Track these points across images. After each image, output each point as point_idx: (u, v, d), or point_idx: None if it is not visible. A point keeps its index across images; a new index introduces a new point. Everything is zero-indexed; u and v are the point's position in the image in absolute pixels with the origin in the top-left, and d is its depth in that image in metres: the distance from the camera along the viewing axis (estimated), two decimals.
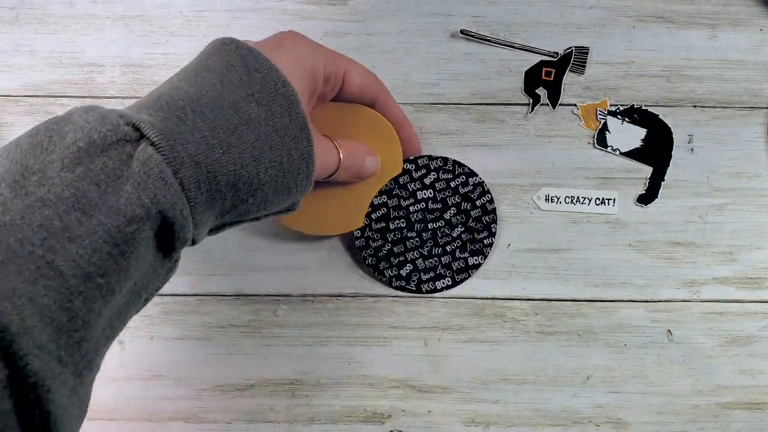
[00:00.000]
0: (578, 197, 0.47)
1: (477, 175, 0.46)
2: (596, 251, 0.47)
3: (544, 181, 0.47)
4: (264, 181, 0.32)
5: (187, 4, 0.49)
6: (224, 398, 0.46)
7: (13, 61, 0.49)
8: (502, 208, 0.47)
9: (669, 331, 0.46)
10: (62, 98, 0.48)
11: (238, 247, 0.47)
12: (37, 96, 0.48)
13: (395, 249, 0.46)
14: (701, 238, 0.47)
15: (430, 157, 0.46)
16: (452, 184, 0.46)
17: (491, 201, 0.46)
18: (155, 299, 0.47)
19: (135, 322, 0.47)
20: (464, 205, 0.46)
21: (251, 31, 0.49)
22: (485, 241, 0.46)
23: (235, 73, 0.33)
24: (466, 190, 0.46)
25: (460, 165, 0.46)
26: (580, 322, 0.46)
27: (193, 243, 0.32)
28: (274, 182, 0.33)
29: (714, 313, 0.46)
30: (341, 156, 0.40)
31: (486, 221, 0.46)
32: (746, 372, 0.46)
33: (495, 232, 0.46)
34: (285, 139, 0.33)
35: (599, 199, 0.47)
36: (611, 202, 0.47)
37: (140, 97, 0.48)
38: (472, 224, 0.46)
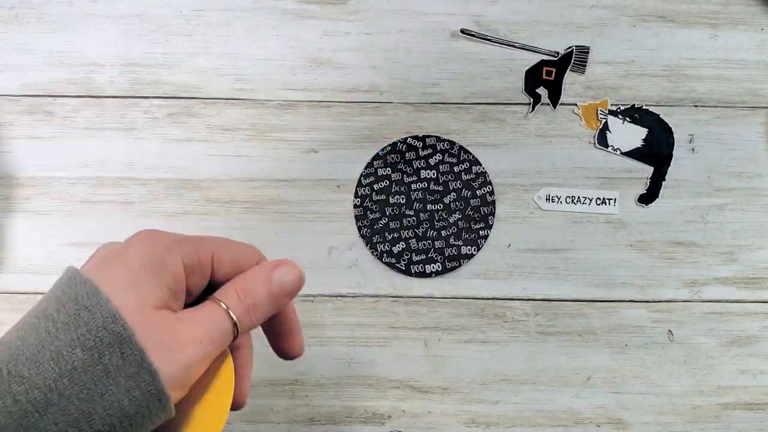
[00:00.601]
0: (579, 197, 0.47)
1: (481, 165, 0.46)
2: (597, 251, 0.47)
3: (545, 180, 0.47)
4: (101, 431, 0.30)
5: (187, 3, 0.49)
6: None
7: (13, 60, 0.48)
8: (503, 208, 0.47)
9: (670, 331, 0.46)
10: (62, 98, 0.48)
11: None
12: (36, 96, 0.48)
13: (391, 224, 0.46)
14: (702, 238, 0.47)
15: (438, 138, 0.46)
16: (456, 169, 0.46)
17: (491, 193, 0.46)
18: None
19: None
20: (464, 192, 0.46)
21: (251, 31, 0.49)
22: (480, 233, 0.46)
23: (64, 314, 0.30)
24: (468, 177, 0.46)
25: (466, 151, 0.46)
26: (581, 323, 0.46)
27: None
28: (118, 428, 0.30)
29: (715, 313, 0.46)
30: (226, 307, 0.33)
31: (484, 212, 0.46)
32: (747, 372, 0.46)
33: (491, 225, 0.46)
34: (120, 380, 0.30)
35: (600, 198, 0.47)
36: (612, 201, 0.47)
37: (139, 96, 0.48)
38: (470, 213, 0.46)
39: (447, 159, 0.46)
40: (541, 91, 0.48)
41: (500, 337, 0.46)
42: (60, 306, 0.30)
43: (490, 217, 0.46)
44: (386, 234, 0.46)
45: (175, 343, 0.31)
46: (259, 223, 0.47)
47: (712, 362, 0.46)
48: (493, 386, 0.46)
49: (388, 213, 0.46)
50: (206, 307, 0.32)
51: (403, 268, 0.46)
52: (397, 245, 0.46)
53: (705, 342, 0.46)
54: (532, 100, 0.48)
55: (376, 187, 0.46)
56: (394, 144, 0.46)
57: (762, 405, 0.45)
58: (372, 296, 0.46)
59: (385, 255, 0.46)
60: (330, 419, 0.45)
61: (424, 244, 0.46)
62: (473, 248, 0.46)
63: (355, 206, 0.46)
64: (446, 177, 0.46)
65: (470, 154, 0.46)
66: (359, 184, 0.46)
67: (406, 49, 0.49)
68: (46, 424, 0.28)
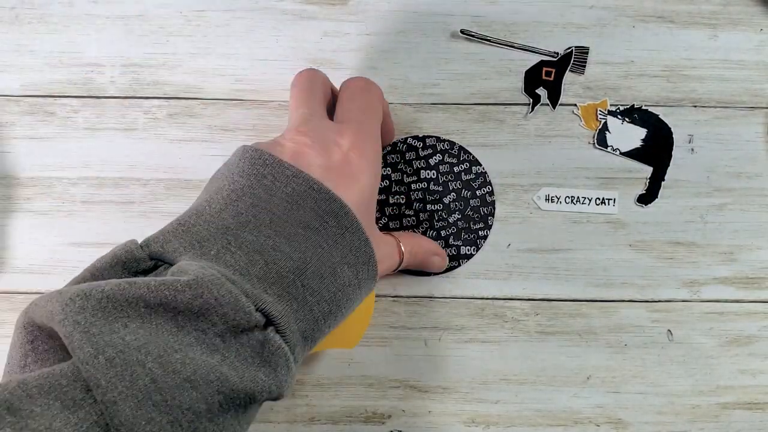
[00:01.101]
0: (578, 197, 0.47)
1: (481, 165, 0.46)
2: (596, 251, 0.47)
3: (545, 181, 0.47)
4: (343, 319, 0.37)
5: (187, 4, 0.49)
6: None
7: (13, 61, 0.48)
8: (502, 208, 0.47)
9: (669, 331, 0.46)
10: (62, 98, 0.48)
11: None
12: (37, 96, 0.48)
13: (391, 224, 0.46)
14: (701, 238, 0.47)
15: (438, 139, 0.46)
16: (456, 170, 0.46)
17: (491, 193, 0.46)
18: None
19: None
20: (464, 193, 0.46)
21: (251, 31, 0.49)
22: (480, 233, 0.46)
23: (330, 231, 0.35)
24: (468, 177, 0.46)
25: (466, 152, 0.46)
26: (581, 322, 0.46)
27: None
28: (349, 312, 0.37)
29: (714, 313, 0.46)
30: (403, 253, 0.42)
31: (483, 212, 0.46)
32: (746, 372, 0.46)
33: (491, 225, 0.46)
34: (364, 290, 0.37)
35: (599, 199, 0.47)
36: (611, 202, 0.47)
37: (139, 97, 0.48)
38: (470, 213, 0.46)
39: (447, 159, 0.46)
40: (541, 91, 0.48)
41: (500, 337, 0.46)
42: (321, 221, 0.35)
43: (489, 218, 0.46)
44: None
45: (378, 261, 0.38)
46: None
47: (712, 362, 0.46)
48: (493, 386, 0.46)
49: (387, 213, 0.46)
50: (393, 246, 0.41)
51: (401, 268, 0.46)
52: None
53: (704, 342, 0.46)
54: (531, 100, 0.48)
55: None
56: (395, 144, 0.46)
57: (761, 405, 0.45)
58: None
59: None
60: (330, 419, 0.46)
61: None
62: (472, 248, 0.46)
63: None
64: (446, 177, 0.46)
65: (470, 154, 0.46)
66: None
67: (406, 49, 0.49)
68: (323, 327, 0.34)
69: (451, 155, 0.46)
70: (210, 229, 0.33)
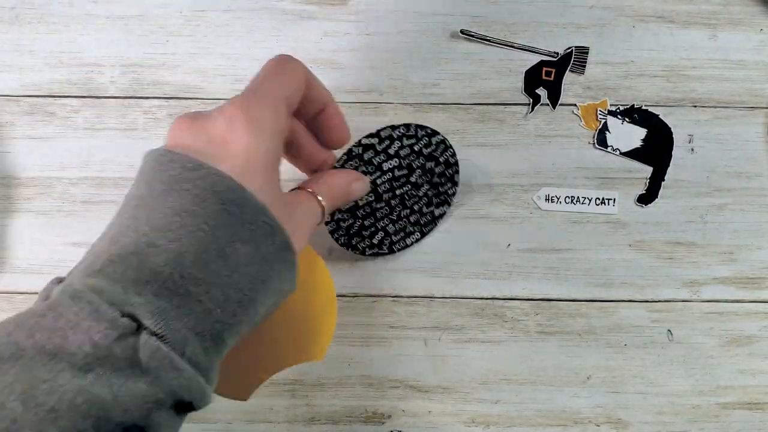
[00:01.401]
0: (578, 197, 0.47)
1: (439, 134, 0.45)
2: (596, 251, 0.47)
3: (544, 181, 0.47)
4: (263, 314, 0.33)
5: (187, 4, 0.49)
6: (224, 398, 0.46)
7: (13, 61, 0.48)
8: (502, 208, 0.47)
9: (669, 331, 0.46)
10: (62, 98, 0.48)
11: None
12: (37, 96, 0.48)
13: (366, 223, 0.46)
14: (702, 238, 0.47)
15: (393, 127, 0.45)
16: (416, 148, 0.45)
17: (453, 155, 0.46)
18: None
19: None
20: (428, 165, 0.46)
21: (251, 31, 0.49)
22: (449, 191, 0.46)
23: (210, 210, 0.31)
24: (429, 150, 0.45)
25: (422, 127, 0.45)
26: (580, 322, 0.46)
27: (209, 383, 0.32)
28: (267, 302, 0.33)
29: (714, 313, 0.46)
30: (321, 202, 0.39)
31: (449, 174, 0.46)
32: (746, 372, 0.46)
33: (458, 182, 0.46)
34: (273, 264, 0.33)
35: (599, 199, 0.47)
36: (611, 202, 0.47)
37: (139, 97, 0.48)
38: (437, 179, 0.46)
39: (405, 142, 0.45)
40: (541, 91, 0.48)
41: (500, 337, 0.46)
42: (199, 200, 0.31)
43: (456, 176, 0.46)
44: (363, 233, 0.46)
45: (294, 228, 0.34)
46: None
47: (712, 362, 0.46)
48: (493, 386, 0.46)
49: (359, 215, 0.45)
50: (307, 200, 0.38)
51: (387, 251, 0.46)
52: (376, 236, 0.46)
53: (704, 342, 0.46)
54: (531, 100, 0.48)
55: None
56: (350, 151, 0.44)
57: (761, 405, 0.45)
58: (372, 296, 0.47)
59: (367, 249, 0.46)
60: (330, 419, 0.45)
61: (401, 224, 0.46)
62: (444, 206, 0.46)
63: (327, 223, 0.45)
64: (408, 159, 0.45)
65: (427, 128, 0.45)
66: None
67: (406, 49, 0.49)
68: (226, 316, 0.30)
69: (408, 137, 0.45)
70: (102, 243, 0.32)
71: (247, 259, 0.31)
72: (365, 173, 0.45)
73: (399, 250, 0.46)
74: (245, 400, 0.40)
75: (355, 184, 0.42)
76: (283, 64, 0.37)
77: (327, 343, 0.40)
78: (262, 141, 0.33)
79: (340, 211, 0.45)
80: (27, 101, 0.48)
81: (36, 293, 0.46)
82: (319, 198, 0.38)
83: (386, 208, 0.46)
